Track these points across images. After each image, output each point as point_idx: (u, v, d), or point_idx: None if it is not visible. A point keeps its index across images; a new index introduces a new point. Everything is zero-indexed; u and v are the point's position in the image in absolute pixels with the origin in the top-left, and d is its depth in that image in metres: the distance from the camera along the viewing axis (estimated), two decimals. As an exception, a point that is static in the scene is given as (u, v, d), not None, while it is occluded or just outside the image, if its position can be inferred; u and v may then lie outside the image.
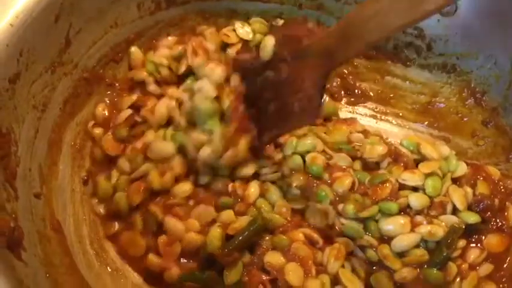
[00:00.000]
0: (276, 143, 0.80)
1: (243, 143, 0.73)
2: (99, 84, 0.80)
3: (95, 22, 0.76)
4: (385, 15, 0.59)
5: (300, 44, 0.67)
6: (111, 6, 0.77)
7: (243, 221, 0.71)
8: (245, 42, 0.87)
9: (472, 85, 0.88)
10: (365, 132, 0.86)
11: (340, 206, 0.75)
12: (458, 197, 0.76)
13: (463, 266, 0.73)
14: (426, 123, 0.91)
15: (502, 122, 0.86)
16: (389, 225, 0.74)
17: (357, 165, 0.81)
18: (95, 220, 0.75)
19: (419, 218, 0.75)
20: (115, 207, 0.73)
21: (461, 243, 0.74)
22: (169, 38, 0.85)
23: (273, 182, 0.77)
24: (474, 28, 0.84)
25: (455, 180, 0.80)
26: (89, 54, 0.77)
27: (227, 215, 0.73)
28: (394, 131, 0.90)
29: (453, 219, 0.75)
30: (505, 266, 0.75)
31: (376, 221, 0.75)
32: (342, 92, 0.93)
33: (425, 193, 0.76)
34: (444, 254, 0.72)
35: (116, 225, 0.74)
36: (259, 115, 0.72)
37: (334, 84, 0.94)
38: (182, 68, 0.80)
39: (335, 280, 0.70)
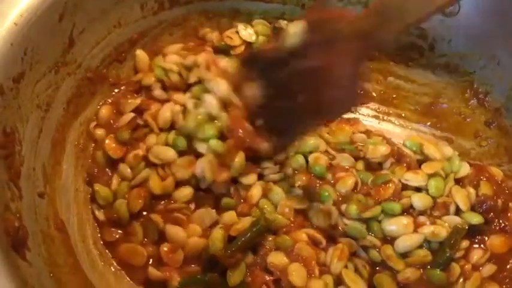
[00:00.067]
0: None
1: (238, 160, 0.72)
2: (102, 84, 0.80)
3: (99, 22, 0.75)
4: None
5: (331, 28, 0.61)
6: (115, 6, 0.77)
7: (246, 222, 0.71)
8: (248, 44, 0.88)
9: (475, 86, 0.89)
10: (368, 133, 0.86)
11: (343, 207, 0.75)
12: (461, 197, 0.76)
13: (466, 266, 0.73)
14: (429, 123, 0.91)
15: (505, 123, 0.86)
16: (392, 225, 0.74)
17: (360, 165, 0.81)
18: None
19: (422, 219, 0.75)
20: (115, 215, 0.72)
21: (465, 243, 0.74)
22: (177, 45, 0.85)
23: (276, 182, 0.77)
24: (477, 28, 0.84)
25: (458, 181, 0.80)
26: (92, 54, 0.77)
27: (229, 216, 0.73)
28: (396, 131, 0.90)
29: (456, 219, 0.75)
30: (508, 266, 0.75)
31: (379, 222, 0.75)
32: (345, 93, 0.93)
33: (428, 193, 0.77)
34: (447, 255, 0.72)
35: (116, 233, 0.73)
36: (285, 110, 0.66)
37: (337, 84, 0.94)
38: (193, 78, 0.80)
39: (338, 280, 0.70)
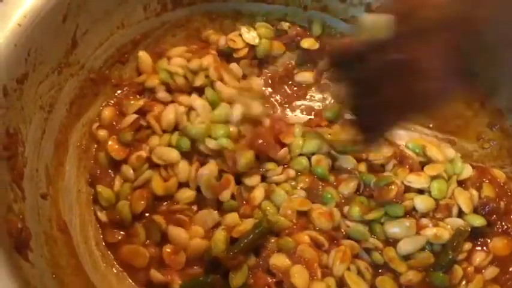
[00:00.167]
0: (282, 143, 0.80)
1: (248, 157, 0.74)
2: (105, 85, 0.80)
3: (102, 23, 0.75)
4: None
5: (419, 17, 0.55)
6: (118, 7, 0.77)
7: (248, 223, 0.71)
8: (251, 47, 0.87)
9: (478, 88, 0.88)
10: (370, 134, 0.86)
11: (346, 209, 0.75)
12: (464, 199, 0.76)
13: (469, 269, 0.73)
14: (431, 125, 0.91)
15: (507, 125, 0.86)
16: (394, 227, 0.74)
17: (362, 167, 0.81)
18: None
19: (424, 221, 0.75)
20: (118, 216, 0.72)
21: (467, 246, 0.74)
22: (180, 47, 0.85)
23: (279, 184, 0.77)
24: (480, 31, 0.84)
25: (461, 183, 0.80)
26: (95, 55, 0.77)
27: (232, 217, 0.73)
28: (399, 133, 0.90)
29: (459, 222, 0.75)
30: (510, 269, 0.75)
31: (382, 224, 0.75)
32: (347, 94, 0.93)
33: (430, 196, 0.77)
34: (450, 257, 0.72)
35: (118, 234, 0.73)
36: (369, 106, 0.61)
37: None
38: (199, 81, 0.80)
39: (340, 283, 0.70)
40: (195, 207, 0.75)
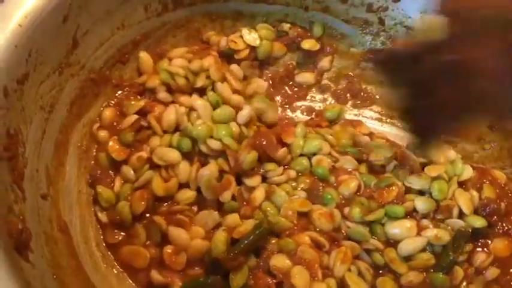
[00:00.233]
0: (282, 143, 0.80)
1: (251, 156, 0.74)
2: (105, 86, 0.80)
3: (102, 23, 0.75)
4: None
5: (475, 16, 0.54)
6: (119, 7, 0.77)
7: (249, 224, 0.71)
8: (252, 49, 0.87)
9: (478, 89, 0.88)
10: (371, 135, 0.86)
11: (346, 209, 0.75)
12: (465, 200, 0.76)
13: (469, 270, 0.74)
14: (432, 126, 0.91)
15: (508, 126, 0.86)
16: (395, 228, 0.74)
17: (363, 168, 0.81)
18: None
19: (425, 222, 0.75)
20: (118, 217, 0.72)
21: (468, 247, 0.74)
22: (181, 48, 0.85)
23: (279, 185, 0.77)
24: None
25: (461, 184, 0.80)
26: (96, 55, 0.77)
27: (232, 218, 0.73)
28: (399, 134, 0.90)
29: (459, 223, 0.75)
30: (511, 270, 0.75)
31: (382, 225, 0.75)
32: (348, 95, 0.93)
33: (431, 197, 0.77)
34: (450, 258, 0.72)
35: (119, 235, 0.73)
36: (424, 108, 0.60)
37: (340, 87, 0.94)
38: (200, 82, 0.80)
39: (341, 284, 0.70)
40: (195, 208, 0.75)
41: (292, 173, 0.78)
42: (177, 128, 0.78)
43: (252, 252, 0.70)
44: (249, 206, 0.74)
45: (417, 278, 0.72)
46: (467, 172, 0.80)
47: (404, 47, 0.61)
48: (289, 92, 0.92)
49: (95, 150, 0.78)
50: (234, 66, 0.86)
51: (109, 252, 0.73)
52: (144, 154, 0.75)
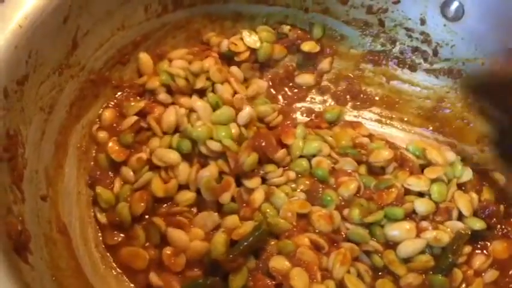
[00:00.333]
0: (282, 144, 0.80)
1: (251, 158, 0.74)
2: (105, 87, 0.80)
3: (102, 24, 0.75)
4: None
5: None
6: (119, 8, 0.77)
7: (248, 226, 0.71)
8: (252, 51, 0.87)
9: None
10: (371, 137, 0.86)
11: (346, 211, 0.75)
12: (464, 202, 0.76)
13: (469, 272, 0.74)
14: (431, 128, 0.91)
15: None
16: (394, 230, 0.74)
17: (363, 169, 0.81)
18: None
19: (424, 224, 0.75)
20: (117, 218, 0.72)
21: (467, 249, 0.74)
22: (182, 50, 0.85)
23: (279, 186, 0.77)
24: (480, 34, 0.84)
25: (461, 186, 0.80)
26: (95, 56, 0.77)
27: (232, 220, 0.73)
28: (399, 135, 0.90)
29: (459, 225, 0.75)
30: (510, 272, 0.75)
31: (382, 226, 0.75)
32: (348, 97, 0.93)
33: (430, 198, 0.77)
34: (450, 260, 0.72)
35: (118, 236, 0.73)
36: None
37: (340, 88, 0.94)
38: (200, 84, 0.80)
39: (340, 285, 0.70)
40: (195, 210, 0.75)
41: (292, 175, 0.78)
42: (176, 129, 0.78)
43: (251, 253, 0.70)
44: (249, 207, 0.74)
45: (416, 279, 0.72)
46: (467, 174, 0.80)
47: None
48: (289, 93, 0.92)
49: (94, 151, 0.78)
50: (234, 68, 0.86)
51: (108, 254, 0.73)
52: (143, 155, 0.75)
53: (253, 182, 0.75)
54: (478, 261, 0.74)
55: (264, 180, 0.77)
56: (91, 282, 0.68)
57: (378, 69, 0.94)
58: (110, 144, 0.76)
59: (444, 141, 0.89)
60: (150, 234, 0.72)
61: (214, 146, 0.74)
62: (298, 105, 0.92)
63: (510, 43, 0.82)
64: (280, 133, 0.81)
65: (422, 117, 0.91)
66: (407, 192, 0.77)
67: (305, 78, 0.92)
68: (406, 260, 0.73)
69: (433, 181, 0.77)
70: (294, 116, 0.91)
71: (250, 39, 0.87)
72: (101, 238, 0.74)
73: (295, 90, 0.92)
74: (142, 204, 0.72)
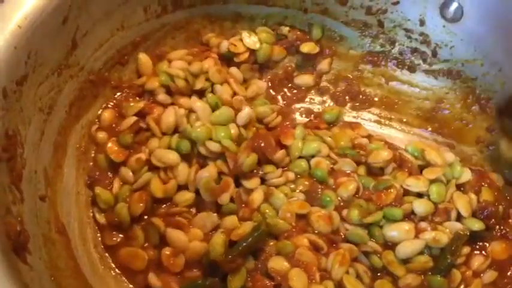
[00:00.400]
0: (281, 145, 0.80)
1: (251, 158, 0.74)
2: (104, 87, 0.80)
3: (102, 25, 0.75)
4: None
5: None
6: (118, 9, 0.77)
7: (247, 226, 0.71)
8: (252, 52, 0.87)
9: (477, 92, 0.89)
10: (370, 138, 0.86)
11: (345, 212, 0.75)
12: (463, 203, 0.76)
13: (467, 273, 0.74)
14: (430, 129, 0.91)
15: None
16: (393, 231, 0.74)
17: (362, 170, 0.81)
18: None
19: (423, 225, 0.75)
20: (116, 218, 0.72)
21: (466, 250, 0.74)
22: (181, 50, 0.85)
23: (278, 187, 0.77)
24: (480, 35, 0.85)
25: (460, 187, 0.80)
26: (95, 56, 0.77)
27: (231, 220, 0.73)
28: (398, 136, 0.90)
29: (457, 226, 0.75)
30: (509, 273, 0.75)
31: (381, 227, 0.75)
32: (347, 97, 0.93)
33: (429, 199, 0.77)
34: (448, 261, 0.72)
35: (117, 237, 0.73)
36: None
37: (339, 89, 0.94)
38: (199, 84, 0.80)
39: (339, 286, 0.70)
40: (194, 210, 0.75)
41: (291, 175, 0.78)
42: (176, 130, 0.78)
43: (250, 254, 0.70)
44: (248, 208, 0.74)
45: (415, 280, 0.72)
46: (466, 175, 0.80)
47: None
48: (288, 94, 0.92)
49: (93, 152, 0.78)
50: (233, 69, 0.86)
51: (107, 254, 0.73)
52: (142, 156, 0.75)
53: (252, 183, 0.75)
54: (477, 262, 0.74)
55: (263, 181, 0.77)
56: (90, 283, 0.68)
57: (377, 70, 0.94)
58: (109, 144, 0.76)
59: (443, 142, 0.89)
60: (149, 234, 0.72)
61: (214, 146, 0.74)
62: (298, 106, 0.92)
63: (509, 44, 0.82)
64: (279, 134, 0.81)
65: (422, 118, 0.91)
66: (406, 192, 0.77)
67: (304, 79, 0.92)
68: (405, 261, 0.73)
69: (432, 182, 0.77)
70: (293, 117, 0.91)
71: (250, 40, 0.87)
72: (99, 238, 0.74)
73: (295, 91, 0.93)
74: (141, 204, 0.72)
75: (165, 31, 0.85)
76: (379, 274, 0.73)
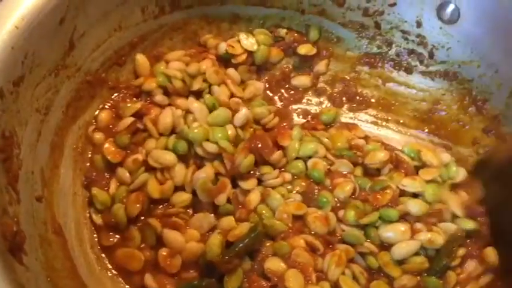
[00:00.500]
0: (278, 146, 0.80)
1: (248, 159, 0.74)
2: (101, 88, 0.80)
3: (99, 25, 0.75)
4: None
5: None
6: (116, 9, 0.77)
7: (244, 227, 0.71)
8: (249, 53, 0.88)
9: (474, 93, 0.89)
10: (366, 139, 0.86)
11: (341, 213, 0.75)
12: (457, 203, 0.76)
13: (462, 275, 0.74)
14: (427, 130, 0.91)
15: (502, 131, 0.86)
16: (389, 232, 0.74)
17: (358, 171, 0.81)
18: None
19: (419, 225, 0.75)
20: (113, 219, 0.72)
21: (461, 252, 0.74)
22: (178, 51, 0.85)
23: (274, 188, 0.77)
24: (476, 36, 0.85)
25: (455, 187, 0.80)
26: (92, 57, 0.77)
27: (227, 221, 0.73)
28: (395, 137, 0.91)
29: (452, 227, 0.75)
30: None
31: (377, 228, 0.75)
32: (344, 99, 0.94)
33: (425, 200, 0.77)
34: (444, 263, 0.72)
35: (113, 237, 0.73)
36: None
37: (336, 90, 0.94)
38: (197, 85, 0.81)
39: (335, 287, 0.70)
40: (190, 211, 0.75)
41: (288, 176, 0.78)
42: (173, 131, 0.78)
43: (246, 255, 0.70)
44: (244, 208, 0.74)
45: (411, 281, 0.72)
46: (461, 175, 0.80)
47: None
48: (285, 95, 0.93)
49: (90, 153, 0.78)
50: (231, 70, 0.86)
51: (103, 255, 0.73)
52: (139, 156, 0.75)
53: (249, 184, 0.75)
54: (472, 264, 0.74)
55: (259, 182, 0.77)
56: (86, 284, 0.68)
57: (374, 72, 0.94)
58: (106, 145, 0.76)
59: (440, 144, 0.89)
60: (146, 235, 0.72)
61: (211, 147, 0.74)
62: (295, 107, 0.92)
63: (505, 45, 0.82)
64: (276, 135, 0.81)
65: (418, 119, 0.92)
66: (403, 193, 0.78)
67: (301, 80, 0.93)
68: (401, 262, 0.73)
69: (428, 182, 0.77)
70: (290, 118, 0.91)
71: (248, 41, 0.88)
72: (96, 239, 0.74)
73: (292, 92, 0.93)
74: (138, 205, 0.72)
75: (163, 32, 0.85)
76: (375, 275, 0.73)
